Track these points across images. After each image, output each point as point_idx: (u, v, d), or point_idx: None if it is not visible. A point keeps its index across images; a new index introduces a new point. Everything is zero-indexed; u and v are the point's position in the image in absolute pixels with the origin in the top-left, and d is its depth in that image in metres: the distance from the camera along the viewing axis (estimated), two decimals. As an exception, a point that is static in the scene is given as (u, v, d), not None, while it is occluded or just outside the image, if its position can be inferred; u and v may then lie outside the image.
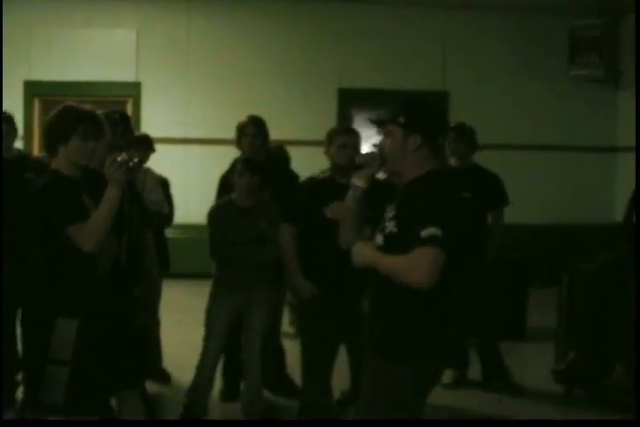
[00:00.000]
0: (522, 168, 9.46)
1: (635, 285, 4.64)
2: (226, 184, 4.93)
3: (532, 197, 9.37)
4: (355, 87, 9.63)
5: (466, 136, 5.32)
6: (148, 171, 4.85)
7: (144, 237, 4.48)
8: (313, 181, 4.35)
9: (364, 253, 2.83)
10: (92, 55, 9.35)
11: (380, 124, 2.95)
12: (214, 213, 4.59)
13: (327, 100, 9.67)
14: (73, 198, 3.30)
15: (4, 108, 5.00)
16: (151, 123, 9.39)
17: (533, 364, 6.06)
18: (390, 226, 2.77)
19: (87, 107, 3.46)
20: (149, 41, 9.50)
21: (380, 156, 2.92)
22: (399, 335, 2.82)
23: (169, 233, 5.93)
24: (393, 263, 2.72)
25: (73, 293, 3.32)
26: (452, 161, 5.39)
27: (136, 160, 3.37)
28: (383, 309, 2.89)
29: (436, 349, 2.85)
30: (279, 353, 5.13)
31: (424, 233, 2.61)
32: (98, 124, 3.43)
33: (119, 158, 3.23)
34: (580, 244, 7.63)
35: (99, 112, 3.53)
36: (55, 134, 3.35)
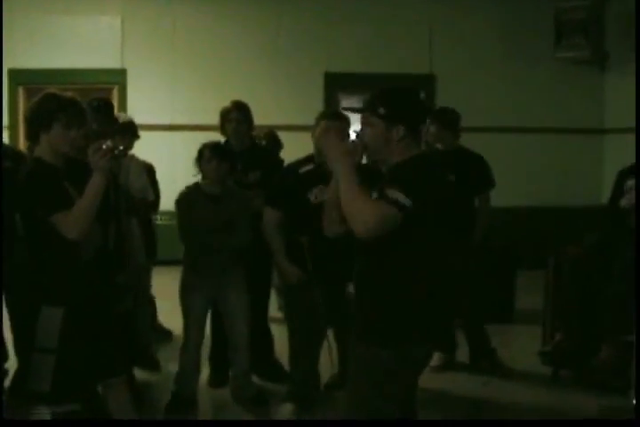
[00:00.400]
0: (509, 151, 9.45)
1: (622, 266, 4.66)
2: None
3: (520, 179, 9.37)
4: (341, 71, 9.60)
5: (447, 122, 5.31)
6: (133, 158, 4.83)
7: (129, 225, 4.48)
8: (297, 166, 4.35)
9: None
10: (76, 42, 9.26)
11: (357, 112, 2.93)
12: (182, 200, 4.56)
13: (314, 85, 9.63)
14: (56, 186, 3.29)
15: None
16: (137, 110, 9.32)
17: (521, 346, 6.08)
18: (374, 194, 2.76)
19: (69, 94, 3.44)
20: (134, 27, 9.42)
21: (361, 144, 2.86)
22: (384, 318, 2.81)
23: (157, 220, 5.94)
24: (355, 196, 2.69)
25: (57, 281, 3.33)
26: (437, 144, 5.39)
27: (121, 148, 3.36)
28: (367, 291, 2.88)
29: (421, 332, 2.84)
30: (267, 338, 5.13)
31: (390, 193, 2.64)
32: (80, 112, 3.40)
33: (104, 146, 3.23)
34: (569, 226, 7.65)
35: (81, 99, 3.52)
36: (37, 122, 3.34)
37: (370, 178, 2.90)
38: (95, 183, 3.23)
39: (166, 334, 5.85)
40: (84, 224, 3.20)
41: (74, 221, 3.19)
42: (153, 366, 5.33)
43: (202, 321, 4.64)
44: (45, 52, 9.22)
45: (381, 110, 2.79)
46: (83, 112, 3.43)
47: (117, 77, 9.45)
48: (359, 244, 2.78)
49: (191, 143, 5.12)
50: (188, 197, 4.54)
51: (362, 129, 2.88)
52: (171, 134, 9.39)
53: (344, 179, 2.73)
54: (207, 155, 4.47)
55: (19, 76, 9.23)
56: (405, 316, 2.80)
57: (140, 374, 5.08)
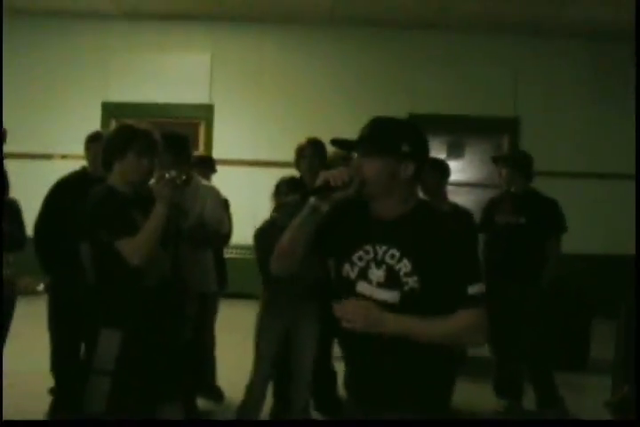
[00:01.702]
0: (589, 197, 9.33)
1: None
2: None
3: (598, 226, 9.22)
4: (426, 113, 9.64)
5: (519, 165, 5.29)
6: (212, 189, 4.84)
7: (199, 254, 4.58)
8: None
9: (392, 320, 2.36)
10: (166, 78, 9.62)
11: (371, 148, 2.45)
12: (258, 235, 4.65)
13: (397, 126, 9.64)
14: (123, 213, 3.40)
15: (86, 129, 5.20)
16: (222, 144, 9.60)
17: (592, 396, 5.91)
18: (411, 281, 2.40)
19: (143, 125, 3.56)
20: (222, 64, 9.71)
21: (358, 177, 2.44)
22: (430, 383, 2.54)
23: (240, 254, 5.97)
24: (443, 331, 2.39)
25: (118, 305, 3.42)
26: (511, 187, 5.38)
27: (184, 178, 3.46)
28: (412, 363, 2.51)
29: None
30: (331, 375, 5.13)
31: (472, 291, 2.37)
32: (153, 143, 3.51)
33: (167, 175, 3.33)
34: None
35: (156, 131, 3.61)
36: (111, 151, 3.48)
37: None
38: (158, 212, 3.33)
39: (218, 397, 5.46)
40: (146, 251, 3.30)
41: (137, 248, 3.30)
42: (216, 395, 5.38)
43: (273, 353, 4.64)
44: (137, 86, 9.58)
45: (405, 148, 2.43)
46: (156, 143, 3.53)
47: (205, 112, 9.71)
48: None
49: (273, 179, 5.24)
50: (263, 232, 4.62)
51: (361, 160, 2.46)
52: (254, 170, 9.55)
53: (418, 332, 2.38)
54: (283, 189, 4.56)
55: (111, 110, 9.57)
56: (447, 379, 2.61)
57: (202, 403, 5.14)
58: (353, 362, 2.66)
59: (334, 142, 2.52)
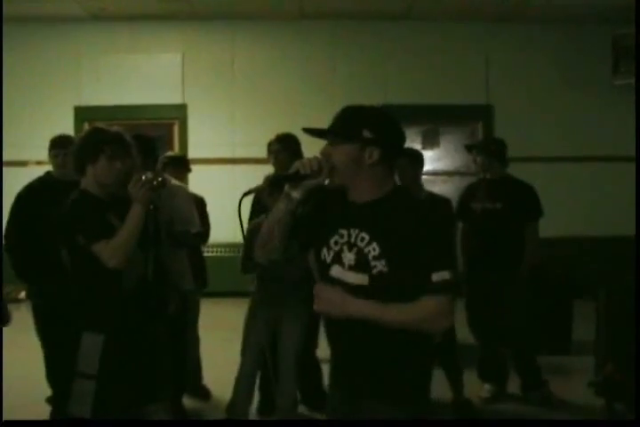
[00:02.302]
0: (568, 180, 9.41)
1: None
2: (259, 202, 5.02)
3: (578, 209, 9.30)
4: (398, 103, 9.65)
5: (494, 152, 5.31)
6: (180, 188, 4.85)
7: (175, 255, 4.57)
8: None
9: (352, 304, 2.43)
10: (138, 79, 9.59)
11: (335, 135, 2.52)
12: (252, 230, 4.64)
13: (372, 117, 9.66)
14: (99, 216, 3.40)
15: (57, 132, 5.16)
16: (198, 144, 9.58)
17: (577, 378, 5.95)
18: (379, 265, 2.44)
19: (115, 128, 3.56)
20: (194, 63, 9.69)
21: (328, 164, 2.50)
22: (407, 373, 2.56)
23: (220, 252, 5.93)
24: (402, 317, 2.42)
25: (99, 308, 3.42)
26: (486, 174, 5.41)
27: (160, 179, 3.46)
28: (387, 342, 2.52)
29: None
30: (316, 368, 5.14)
31: (436, 277, 2.38)
32: (125, 146, 3.52)
33: (143, 177, 3.33)
34: (626, 256, 7.50)
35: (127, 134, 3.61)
36: (83, 154, 3.47)
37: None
38: (135, 214, 3.34)
39: (205, 395, 5.48)
40: (123, 253, 3.31)
41: (114, 251, 3.29)
42: (203, 394, 5.38)
43: (259, 350, 4.66)
44: (109, 89, 9.54)
45: (366, 133, 2.46)
46: (128, 146, 3.54)
47: (178, 112, 9.69)
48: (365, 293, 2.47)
49: (252, 176, 5.26)
50: (251, 230, 4.63)
51: (330, 149, 2.52)
52: (231, 168, 9.55)
53: (382, 320, 2.42)
54: (268, 189, 4.54)
55: (84, 113, 9.52)
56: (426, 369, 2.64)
57: (189, 402, 5.15)
58: (333, 350, 2.70)
59: (306, 131, 2.55)
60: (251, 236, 4.58)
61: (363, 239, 2.48)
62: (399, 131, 2.56)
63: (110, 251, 3.30)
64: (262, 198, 4.72)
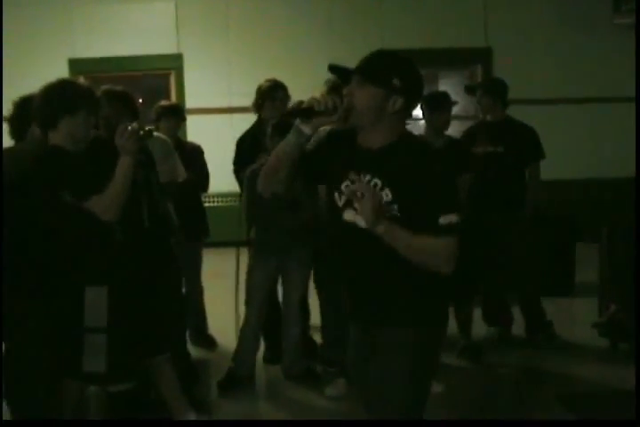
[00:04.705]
0: (568, 122, 9.31)
1: None
2: (241, 147, 5.08)
3: (581, 151, 9.24)
4: (397, 48, 9.51)
5: (499, 93, 5.24)
6: (157, 139, 4.63)
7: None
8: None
9: (392, 230, 2.46)
10: (132, 29, 9.40)
11: (365, 77, 2.50)
12: (249, 179, 4.62)
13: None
14: (83, 172, 3.31)
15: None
16: (195, 93, 9.48)
17: (581, 319, 6.00)
18: (392, 210, 2.48)
19: (85, 82, 3.54)
20: (188, 12, 9.49)
21: (345, 106, 2.50)
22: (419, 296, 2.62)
23: (221, 202, 5.88)
24: (420, 247, 2.48)
25: (97, 262, 3.41)
26: (487, 116, 5.36)
27: (147, 129, 3.42)
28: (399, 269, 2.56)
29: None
30: (305, 314, 5.10)
31: (443, 220, 2.43)
32: (97, 100, 3.51)
33: (129, 128, 3.29)
34: (628, 198, 7.49)
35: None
36: (59, 108, 3.31)
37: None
38: (124, 165, 3.29)
39: (211, 344, 5.49)
40: (118, 205, 3.27)
41: (108, 204, 3.25)
42: (209, 343, 5.42)
43: (263, 299, 4.67)
44: (103, 40, 9.36)
45: (396, 82, 2.47)
46: (98, 100, 3.54)
47: (174, 62, 9.52)
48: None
49: (249, 125, 5.20)
50: (254, 176, 4.59)
51: (353, 89, 2.52)
52: (229, 117, 9.45)
53: (392, 240, 2.46)
54: (270, 132, 4.49)
55: (79, 66, 9.37)
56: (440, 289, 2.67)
57: (195, 352, 5.19)
58: (348, 279, 2.72)
59: (332, 68, 2.56)
60: (249, 183, 4.58)
61: (376, 185, 2.50)
62: (422, 84, 2.57)
63: (104, 204, 3.24)
64: (263, 141, 4.65)
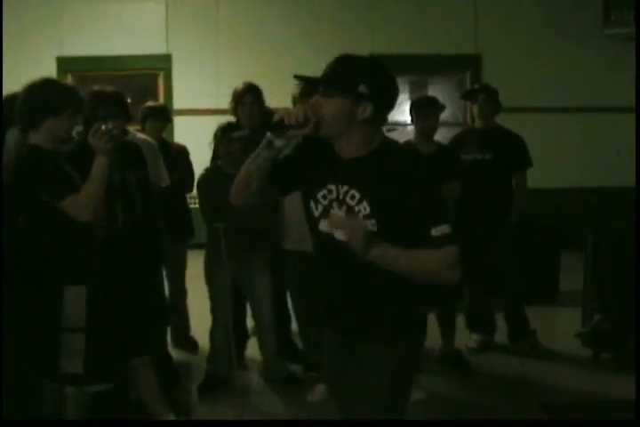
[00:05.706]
0: (555, 131, 9.32)
1: None
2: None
3: (568, 159, 9.26)
4: (386, 53, 9.50)
5: (492, 97, 5.24)
6: (145, 141, 4.58)
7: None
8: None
9: (387, 252, 2.34)
10: (122, 29, 9.35)
11: (329, 87, 2.40)
12: (202, 181, 4.62)
13: (358, 67, 9.54)
14: (60, 173, 3.30)
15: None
16: (183, 94, 9.44)
17: (564, 328, 5.98)
18: (369, 224, 2.37)
19: (68, 82, 3.51)
20: (178, 13, 9.45)
21: (314, 116, 2.40)
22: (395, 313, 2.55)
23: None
24: (423, 262, 2.38)
25: (75, 261, 3.37)
26: (477, 123, 5.35)
27: (121, 129, 3.40)
28: (375, 283, 2.49)
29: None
30: (285, 320, 5.07)
31: (436, 232, 2.33)
32: (82, 100, 3.48)
33: (103, 127, 3.26)
34: (613, 207, 7.51)
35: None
36: (44, 109, 3.29)
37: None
38: (99, 165, 3.27)
39: (192, 347, 5.45)
40: (94, 206, 3.24)
41: (84, 204, 3.22)
42: (191, 346, 5.38)
43: (228, 301, 4.63)
44: (92, 39, 9.30)
45: (363, 88, 2.35)
46: (83, 101, 3.51)
47: (163, 63, 9.48)
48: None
49: (236, 127, 5.19)
50: (207, 178, 4.58)
51: (319, 99, 2.42)
52: (216, 118, 9.37)
53: (390, 262, 2.35)
54: (219, 136, 4.52)
55: (67, 64, 9.30)
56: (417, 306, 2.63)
57: (177, 354, 5.15)
58: (326, 292, 2.66)
59: (298, 78, 2.48)
60: (201, 190, 4.57)
61: (353, 197, 2.42)
62: (395, 87, 2.46)
63: (80, 205, 3.22)
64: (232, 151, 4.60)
